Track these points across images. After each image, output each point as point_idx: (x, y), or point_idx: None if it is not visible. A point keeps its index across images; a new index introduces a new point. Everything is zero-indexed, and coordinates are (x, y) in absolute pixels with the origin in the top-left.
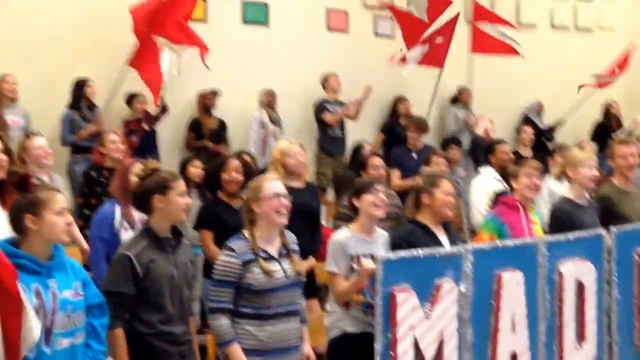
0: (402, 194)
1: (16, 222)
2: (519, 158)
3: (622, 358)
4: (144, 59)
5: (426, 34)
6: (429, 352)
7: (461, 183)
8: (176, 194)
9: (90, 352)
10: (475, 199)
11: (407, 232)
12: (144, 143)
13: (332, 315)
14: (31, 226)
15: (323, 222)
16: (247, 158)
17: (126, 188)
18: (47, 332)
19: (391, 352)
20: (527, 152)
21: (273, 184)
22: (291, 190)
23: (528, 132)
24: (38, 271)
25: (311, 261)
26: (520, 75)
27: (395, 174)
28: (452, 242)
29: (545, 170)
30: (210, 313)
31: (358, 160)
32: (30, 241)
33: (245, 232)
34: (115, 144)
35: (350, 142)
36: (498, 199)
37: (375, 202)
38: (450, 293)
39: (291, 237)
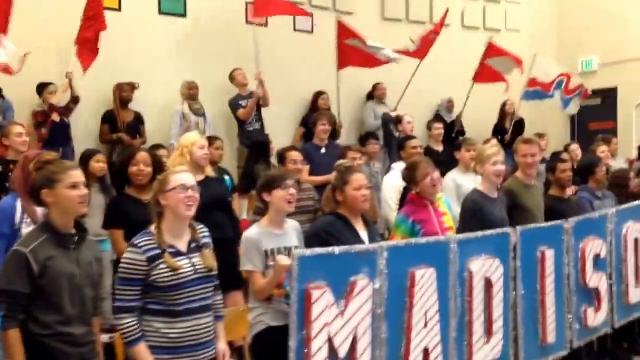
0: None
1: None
2: (429, 153)
3: (526, 351)
4: None
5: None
6: (342, 348)
7: (378, 177)
8: (64, 187)
9: None
10: (385, 195)
11: (326, 223)
12: (55, 135)
13: (254, 310)
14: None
15: (244, 215)
16: (163, 151)
17: (27, 181)
18: None
19: (305, 349)
20: (438, 147)
21: (180, 176)
22: (203, 182)
23: (438, 128)
24: None
25: None
26: (432, 72)
27: (305, 170)
28: (371, 236)
29: (454, 163)
30: (115, 312)
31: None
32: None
33: (152, 227)
34: (21, 136)
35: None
36: (406, 197)
37: (285, 197)
38: (365, 290)
39: (202, 231)
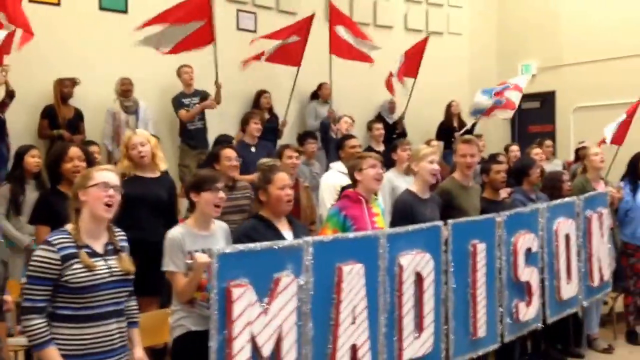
0: None
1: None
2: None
3: (457, 346)
4: None
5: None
6: (266, 347)
7: (317, 177)
8: None
9: None
10: (323, 194)
11: (248, 227)
12: None
13: (175, 313)
14: None
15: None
16: (94, 148)
17: None
18: None
19: (227, 350)
20: (379, 147)
21: (103, 174)
22: (139, 180)
23: (378, 129)
24: None
25: None
26: (376, 74)
27: None
28: (297, 236)
29: (392, 164)
30: (23, 313)
31: (212, 153)
32: None
33: (69, 225)
34: None
35: (212, 134)
36: (343, 193)
37: (214, 201)
38: (290, 287)
39: (120, 234)
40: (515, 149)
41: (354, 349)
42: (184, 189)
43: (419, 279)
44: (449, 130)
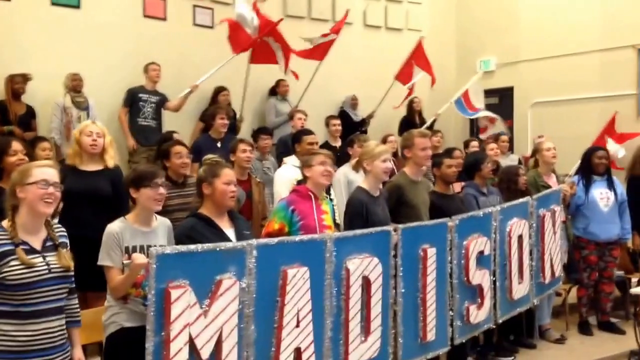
0: None
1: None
2: (326, 149)
3: (406, 349)
4: None
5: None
6: (206, 349)
7: (269, 172)
8: None
9: None
10: (277, 188)
11: (187, 227)
12: None
13: (109, 310)
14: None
15: None
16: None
17: None
18: None
19: (164, 351)
20: (336, 143)
21: (44, 170)
22: (79, 174)
23: (335, 124)
24: None
25: None
26: (336, 70)
27: (195, 166)
28: (239, 232)
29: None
30: None
31: (162, 149)
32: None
33: (5, 222)
34: None
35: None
36: (293, 188)
37: (154, 196)
38: (231, 289)
39: (59, 230)
40: (475, 144)
41: (298, 352)
42: (125, 187)
43: (366, 283)
44: (410, 126)
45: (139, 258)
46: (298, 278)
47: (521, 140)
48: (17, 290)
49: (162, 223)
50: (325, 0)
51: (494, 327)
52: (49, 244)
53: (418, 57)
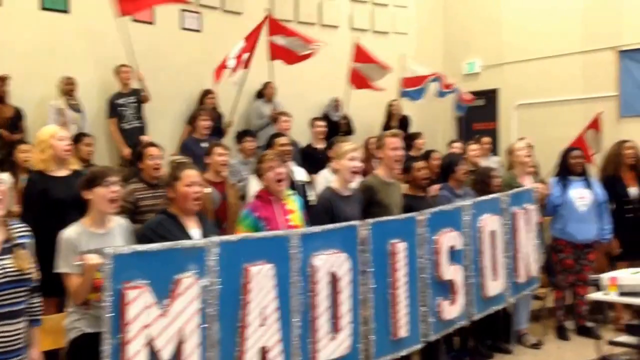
0: None
1: None
2: (310, 151)
3: (378, 346)
4: None
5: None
6: (166, 351)
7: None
8: None
9: None
10: (250, 192)
11: (155, 223)
12: None
13: (70, 315)
14: None
15: None
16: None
17: None
18: None
19: (121, 354)
20: (320, 144)
21: None
22: (46, 179)
23: (320, 126)
24: None
25: None
26: (322, 73)
27: None
28: (206, 234)
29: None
30: None
31: (136, 151)
32: None
33: None
34: None
35: (156, 134)
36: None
37: (107, 195)
38: (191, 288)
39: (19, 229)
40: (458, 145)
41: (263, 351)
42: (78, 189)
43: (334, 279)
44: (387, 129)
45: (92, 258)
46: (262, 275)
47: (506, 142)
48: None
49: (119, 224)
50: (312, 4)
51: (469, 326)
52: (6, 246)
53: (360, 57)
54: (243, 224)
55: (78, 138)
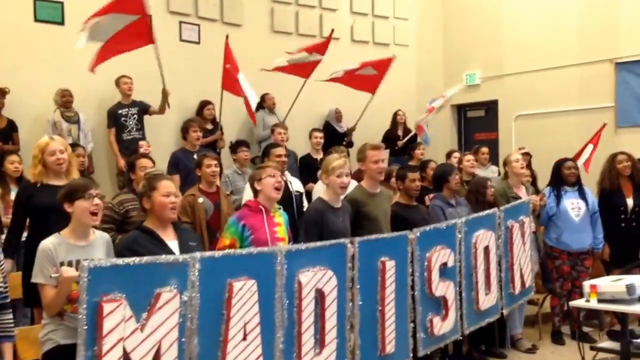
0: None
1: None
2: (308, 161)
3: None
4: None
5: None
6: None
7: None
8: None
9: None
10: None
11: (130, 240)
12: None
13: (45, 327)
14: None
15: None
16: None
17: None
18: None
19: None
20: (317, 155)
21: None
22: (50, 189)
23: (317, 137)
24: None
25: None
26: (324, 84)
27: (174, 179)
28: (184, 245)
29: None
30: None
31: (128, 162)
32: None
33: None
34: None
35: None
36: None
37: (89, 208)
38: (171, 302)
39: None
40: (457, 155)
41: None
42: (59, 201)
43: (320, 295)
44: (393, 139)
45: (68, 271)
46: (245, 291)
47: (507, 152)
48: None
49: (100, 237)
50: (313, 16)
51: (461, 337)
52: None
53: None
54: (228, 231)
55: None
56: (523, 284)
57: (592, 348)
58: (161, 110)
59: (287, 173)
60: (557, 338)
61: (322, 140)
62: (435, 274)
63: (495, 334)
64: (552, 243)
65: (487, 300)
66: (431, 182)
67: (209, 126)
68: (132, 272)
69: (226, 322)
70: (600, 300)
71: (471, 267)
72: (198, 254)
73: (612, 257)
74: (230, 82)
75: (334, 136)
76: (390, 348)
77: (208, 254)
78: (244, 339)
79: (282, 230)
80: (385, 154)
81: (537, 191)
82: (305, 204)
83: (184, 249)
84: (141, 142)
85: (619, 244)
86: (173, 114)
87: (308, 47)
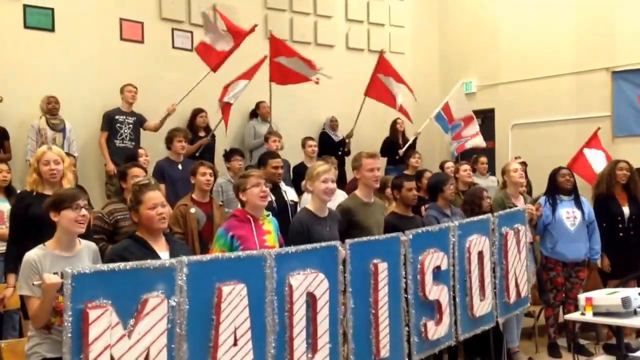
0: None
1: None
2: (302, 170)
3: None
4: None
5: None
6: None
7: None
8: None
9: None
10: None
11: (121, 248)
12: None
13: (31, 340)
14: None
15: None
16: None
17: None
18: None
19: None
20: (312, 163)
21: None
22: (44, 199)
23: (312, 145)
24: None
25: None
26: (318, 91)
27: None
28: (175, 256)
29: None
30: None
31: (120, 171)
32: None
33: None
34: None
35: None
36: (231, 212)
37: (76, 218)
38: (159, 308)
39: None
40: (450, 165)
41: None
42: (44, 210)
43: (312, 299)
44: (393, 146)
45: (51, 278)
46: (234, 295)
47: (503, 161)
48: None
49: (86, 246)
50: (307, 23)
51: (455, 344)
52: None
53: (384, 70)
54: (218, 243)
55: None
56: (518, 293)
57: None
58: (156, 128)
59: (282, 183)
60: (553, 351)
61: (316, 149)
62: (428, 277)
63: (491, 346)
64: (547, 253)
65: (481, 306)
66: (426, 192)
67: (202, 134)
68: (117, 278)
69: (216, 328)
70: (595, 314)
71: (465, 271)
72: (185, 258)
73: (611, 268)
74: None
75: (329, 145)
76: (385, 352)
77: (195, 258)
78: (235, 344)
79: (271, 238)
80: (380, 162)
81: (533, 201)
82: None
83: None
84: (140, 151)
85: (617, 254)
86: (166, 122)
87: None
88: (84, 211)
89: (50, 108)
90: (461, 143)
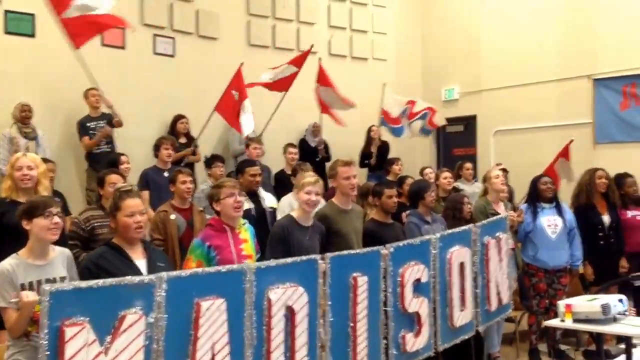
0: None
1: None
2: (282, 177)
3: None
4: None
5: None
6: None
7: None
8: None
9: None
10: None
11: (97, 256)
12: None
13: (10, 348)
14: None
15: None
16: None
17: None
18: None
19: None
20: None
21: None
22: (19, 205)
23: (292, 153)
24: None
25: None
26: (300, 98)
27: (144, 195)
28: (152, 265)
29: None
30: None
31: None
32: None
33: None
34: None
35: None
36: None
37: (48, 226)
38: (136, 324)
39: None
40: (429, 171)
41: None
42: (17, 218)
43: (290, 312)
44: (365, 155)
45: (29, 296)
46: (213, 310)
47: (485, 169)
48: None
49: (60, 253)
50: (290, 30)
51: (435, 354)
52: None
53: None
54: (194, 254)
55: None
56: (500, 301)
57: None
58: (119, 123)
59: (260, 189)
60: (534, 356)
61: (296, 156)
62: (408, 290)
63: (471, 352)
64: (528, 260)
65: (461, 316)
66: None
67: (183, 140)
68: (95, 294)
69: (194, 343)
70: (575, 320)
71: (446, 283)
72: (164, 274)
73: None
74: (226, 107)
75: (307, 152)
76: None
77: (174, 273)
78: (213, 358)
79: (248, 247)
80: (356, 170)
81: (514, 208)
82: None
83: (151, 268)
84: (122, 158)
85: (599, 261)
86: (147, 128)
87: (290, 62)
88: (56, 219)
89: (23, 116)
90: (426, 119)
